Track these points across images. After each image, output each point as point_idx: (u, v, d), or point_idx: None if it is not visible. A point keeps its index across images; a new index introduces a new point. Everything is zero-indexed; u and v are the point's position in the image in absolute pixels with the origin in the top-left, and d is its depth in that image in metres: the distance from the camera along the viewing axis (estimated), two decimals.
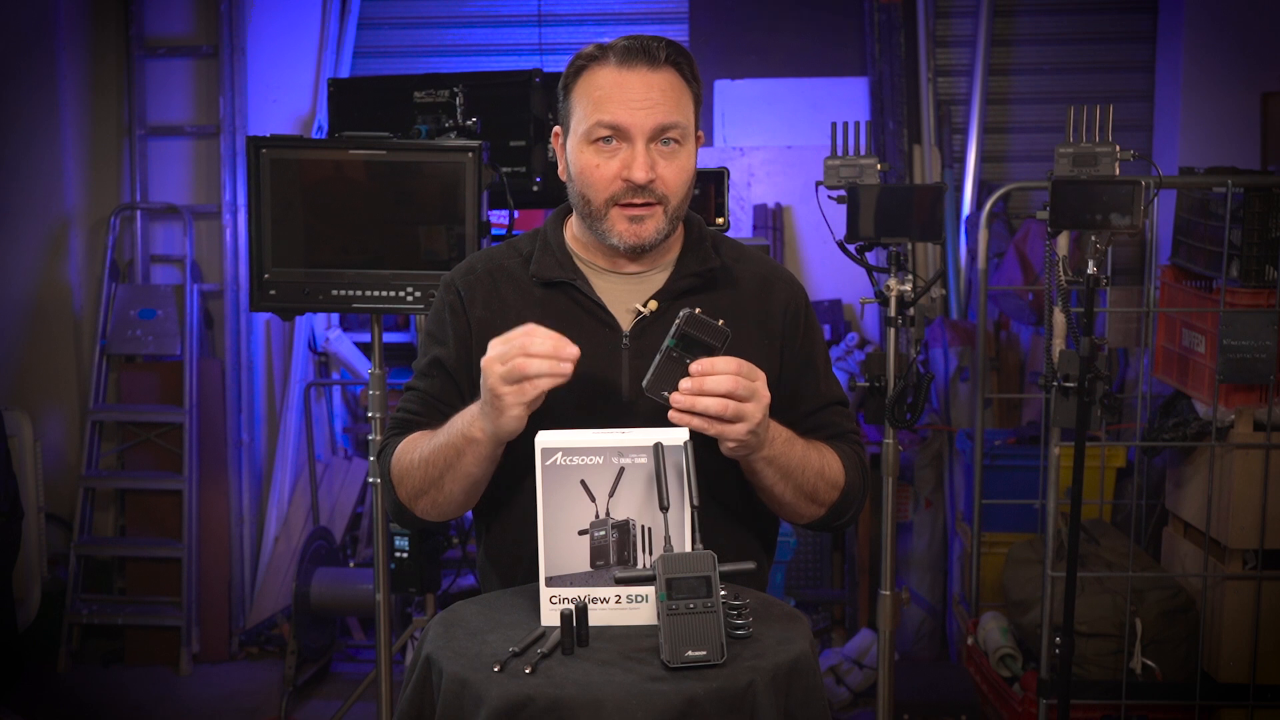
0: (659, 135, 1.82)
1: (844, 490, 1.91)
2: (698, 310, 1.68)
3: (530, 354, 1.64)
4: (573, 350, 1.66)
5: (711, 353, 1.67)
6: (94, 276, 4.84)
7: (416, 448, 1.85)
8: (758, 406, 1.68)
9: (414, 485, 1.86)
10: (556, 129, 1.93)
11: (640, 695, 1.48)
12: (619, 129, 1.81)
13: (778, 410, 1.80)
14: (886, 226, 2.86)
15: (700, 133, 1.94)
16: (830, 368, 2.04)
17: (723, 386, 1.65)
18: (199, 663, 4.58)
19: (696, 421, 1.66)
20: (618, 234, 1.85)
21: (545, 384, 1.65)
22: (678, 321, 1.67)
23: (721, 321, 1.68)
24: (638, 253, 1.88)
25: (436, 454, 1.80)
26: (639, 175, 1.80)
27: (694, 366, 1.66)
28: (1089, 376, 2.82)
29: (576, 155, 1.85)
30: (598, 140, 1.82)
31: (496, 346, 1.68)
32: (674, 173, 1.84)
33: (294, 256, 2.80)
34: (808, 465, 1.85)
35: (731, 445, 1.71)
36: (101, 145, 4.92)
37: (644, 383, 1.69)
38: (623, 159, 1.82)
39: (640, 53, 1.82)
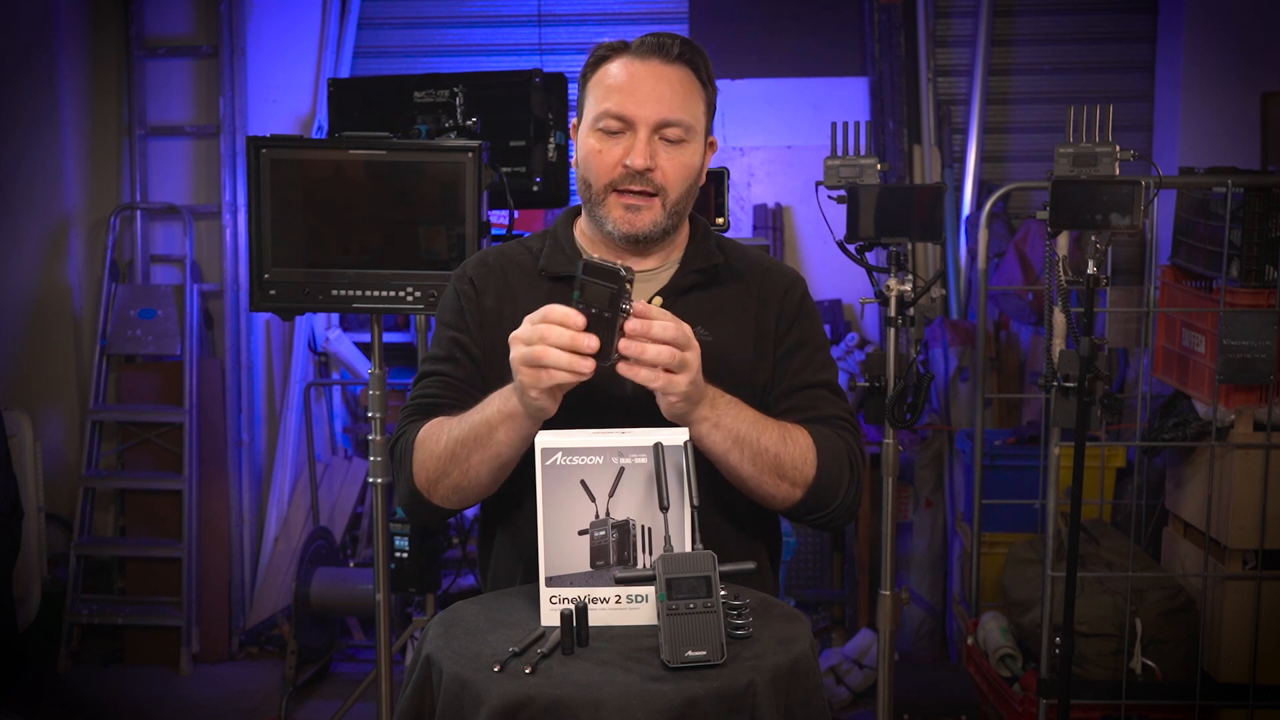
0: (663, 128, 1.84)
1: (818, 468, 1.82)
2: (595, 257, 1.67)
3: (549, 343, 1.63)
4: (591, 343, 1.62)
5: (616, 296, 1.63)
6: (94, 276, 4.84)
7: (445, 429, 1.81)
8: (695, 355, 1.67)
9: (437, 467, 1.81)
10: (574, 120, 1.94)
11: (640, 695, 1.48)
12: (624, 119, 1.83)
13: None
14: (886, 226, 2.86)
15: (713, 139, 1.94)
16: (827, 355, 1.99)
17: (669, 333, 1.64)
18: (199, 663, 4.58)
19: (644, 373, 1.65)
20: (613, 221, 1.86)
21: (562, 377, 1.63)
22: (577, 275, 1.64)
23: (621, 263, 1.64)
24: (633, 243, 1.88)
25: (468, 432, 1.77)
26: (637, 161, 1.82)
27: (630, 324, 1.63)
28: (1089, 376, 2.82)
29: (583, 141, 1.88)
30: (603, 128, 1.85)
31: (525, 325, 1.66)
32: (675, 167, 1.85)
33: (294, 256, 2.80)
34: (764, 434, 1.78)
35: (673, 399, 1.68)
36: (101, 145, 4.92)
37: None
38: (625, 146, 1.84)
39: (655, 48, 1.85)
